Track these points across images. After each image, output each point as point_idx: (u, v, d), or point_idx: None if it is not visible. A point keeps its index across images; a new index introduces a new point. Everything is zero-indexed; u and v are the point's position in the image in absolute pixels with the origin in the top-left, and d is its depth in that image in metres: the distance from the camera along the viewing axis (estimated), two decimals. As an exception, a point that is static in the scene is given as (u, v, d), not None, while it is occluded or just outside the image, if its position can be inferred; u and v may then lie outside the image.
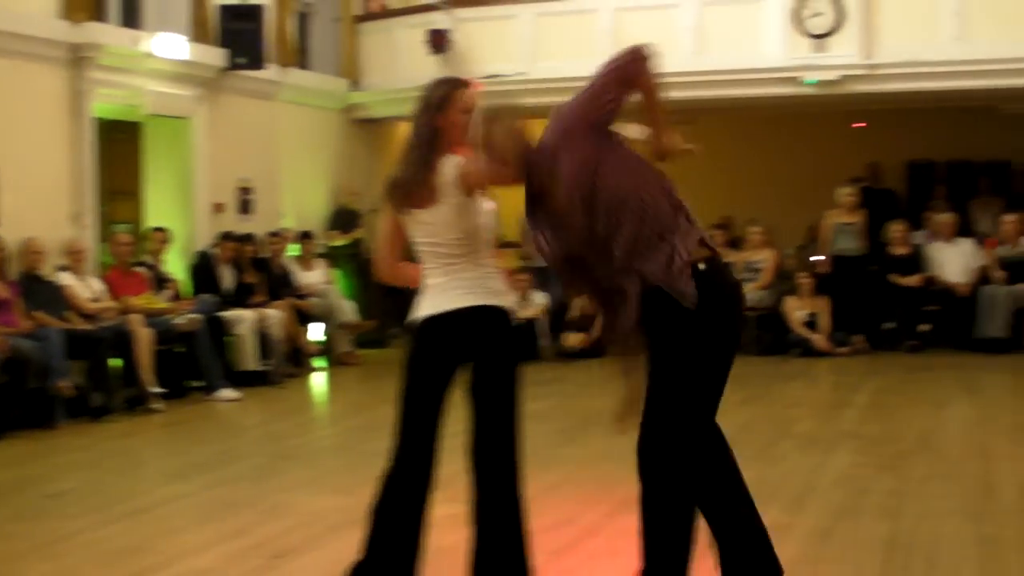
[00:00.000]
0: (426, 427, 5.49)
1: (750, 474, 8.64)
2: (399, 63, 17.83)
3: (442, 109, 5.42)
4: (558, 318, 16.14)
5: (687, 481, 5.36)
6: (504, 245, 17.56)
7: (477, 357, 5.42)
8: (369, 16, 18.74)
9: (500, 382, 5.43)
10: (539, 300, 15.89)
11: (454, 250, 5.40)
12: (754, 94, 16.89)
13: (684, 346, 5.21)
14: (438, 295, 5.42)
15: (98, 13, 13.72)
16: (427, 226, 5.39)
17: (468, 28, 17.35)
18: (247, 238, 14.80)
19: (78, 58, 13.15)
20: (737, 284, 5.49)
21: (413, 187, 5.36)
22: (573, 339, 15.80)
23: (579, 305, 16.08)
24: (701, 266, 5.18)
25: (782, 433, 10.29)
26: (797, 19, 16.08)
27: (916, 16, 15.93)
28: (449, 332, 5.39)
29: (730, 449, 5.61)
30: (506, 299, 5.54)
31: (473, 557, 5.58)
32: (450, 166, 5.36)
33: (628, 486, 8.28)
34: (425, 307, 5.45)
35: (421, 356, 5.47)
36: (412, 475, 5.52)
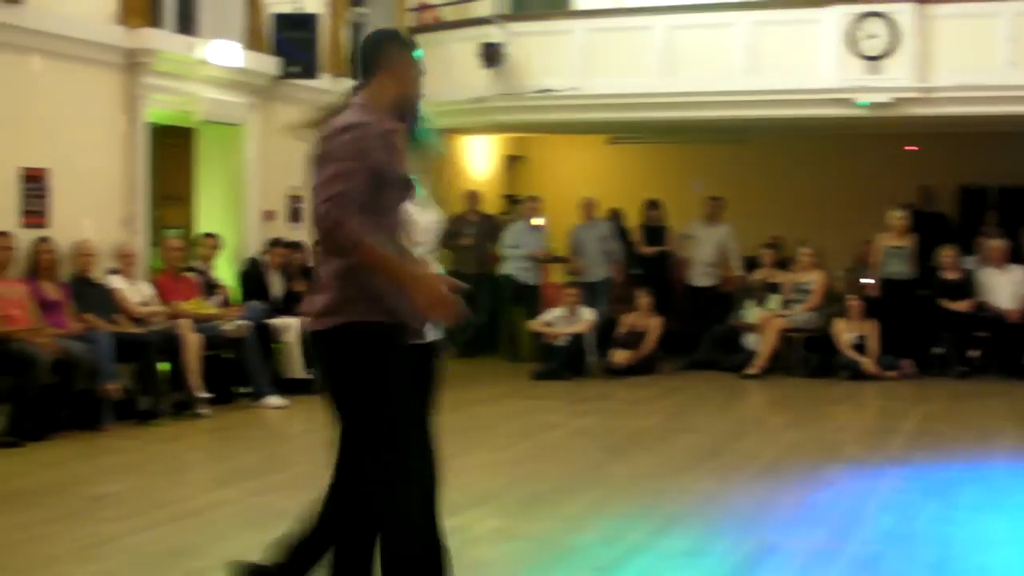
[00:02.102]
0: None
1: (795, 497, 8.68)
2: (452, 76, 17.79)
3: None
4: (605, 334, 16.09)
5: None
6: (554, 260, 17.59)
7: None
8: (422, 28, 18.72)
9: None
10: (587, 316, 15.85)
11: None
12: (806, 115, 16.81)
13: None
14: None
15: (154, 19, 13.77)
16: None
17: (521, 42, 17.34)
18: (297, 246, 14.82)
19: (133, 63, 13.20)
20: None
21: None
22: (620, 356, 15.74)
23: (627, 322, 16.05)
24: None
25: (830, 457, 10.23)
26: (852, 41, 16.00)
27: (971, 41, 15.83)
28: None
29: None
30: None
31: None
32: None
33: (674, 505, 8.30)
34: None
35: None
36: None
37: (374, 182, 4.84)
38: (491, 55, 17.06)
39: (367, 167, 4.81)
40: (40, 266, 11.70)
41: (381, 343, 4.92)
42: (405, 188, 5.07)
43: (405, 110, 5.19)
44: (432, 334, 5.27)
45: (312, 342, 5.13)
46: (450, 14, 19.08)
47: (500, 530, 7.54)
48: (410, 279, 4.82)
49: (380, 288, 4.89)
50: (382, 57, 5.12)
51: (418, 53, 5.21)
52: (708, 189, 18.14)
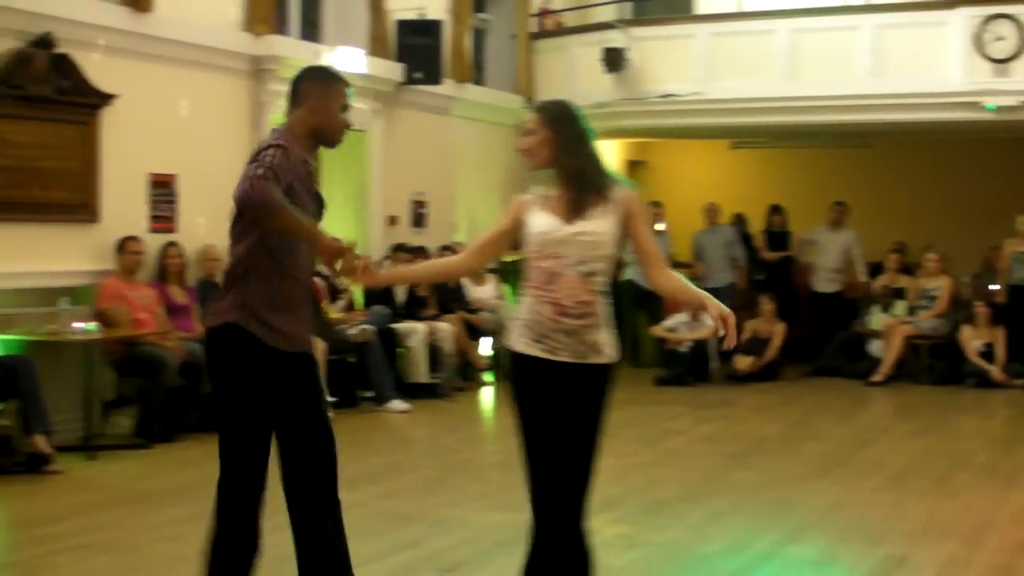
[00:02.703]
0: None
1: (924, 507, 8.56)
2: (574, 80, 17.80)
3: None
4: (728, 340, 15.99)
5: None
6: (676, 265, 17.48)
7: None
8: (545, 33, 18.77)
9: None
10: (710, 322, 15.68)
11: None
12: (932, 118, 16.55)
13: None
14: None
15: (279, 26, 13.91)
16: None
17: (643, 47, 17.30)
18: (421, 251, 14.91)
19: (259, 70, 13.32)
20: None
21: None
22: (743, 362, 15.65)
23: (750, 328, 15.95)
24: None
25: (958, 466, 10.09)
26: (979, 43, 15.75)
27: (1103, 41, 15.56)
28: None
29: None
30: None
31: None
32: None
33: (801, 513, 8.23)
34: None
35: None
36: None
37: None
38: (613, 60, 17.03)
39: (287, 180, 5.15)
40: (168, 270, 11.87)
41: (247, 351, 5.28)
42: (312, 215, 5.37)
43: (323, 140, 5.58)
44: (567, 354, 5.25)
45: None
46: (572, 19, 19.10)
47: (626, 537, 7.52)
48: (316, 237, 5.11)
49: (261, 299, 5.25)
50: (301, 92, 5.55)
51: (349, 90, 5.61)
52: (834, 194, 17.95)
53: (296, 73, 5.67)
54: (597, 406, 5.22)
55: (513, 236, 5.26)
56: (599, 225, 5.11)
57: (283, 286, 5.23)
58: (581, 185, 5.14)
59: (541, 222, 5.12)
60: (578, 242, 5.10)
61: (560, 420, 5.14)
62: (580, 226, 5.11)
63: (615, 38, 17.30)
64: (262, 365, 5.26)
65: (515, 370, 5.22)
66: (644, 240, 5.23)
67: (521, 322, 5.19)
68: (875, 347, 16.03)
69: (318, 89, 5.54)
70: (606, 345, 5.17)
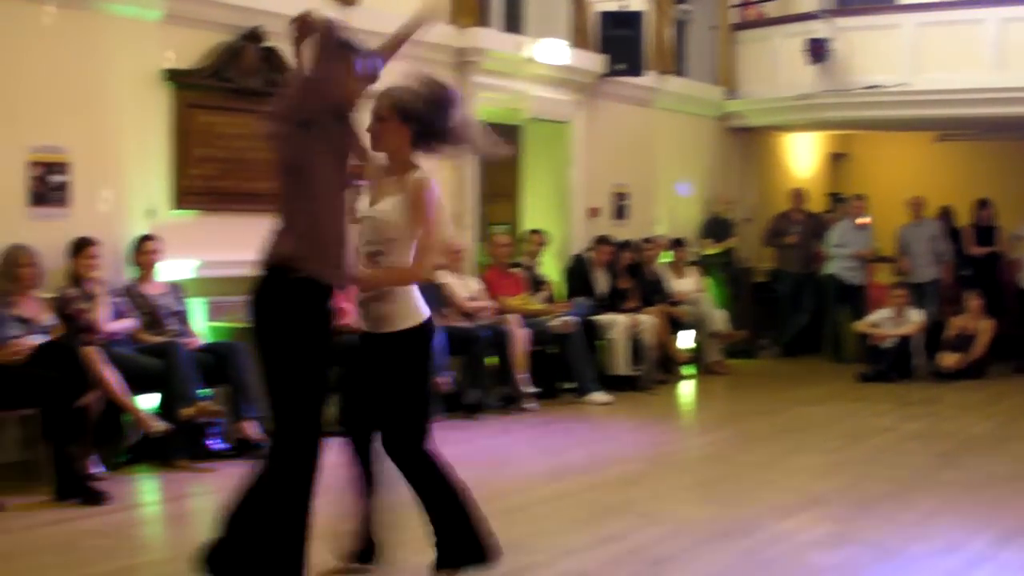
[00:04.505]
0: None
1: None
2: (777, 72, 17.67)
3: None
4: (933, 336, 15.70)
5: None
6: (880, 260, 17.21)
7: None
8: (746, 24, 18.64)
9: None
10: (915, 317, 15.46)
11: None
12: None
13: None
14: None
15: (483, 18, 13.99)
16: None
17: (848, 37, 17.08)
18: (623, 243, 14.87)
19: (463, 62, 13.44)
20: None
21: None
22: (948, 359, 15.33)
23: (956, 324, 15.63)
24: None
25: None
26: None
27: None
28: None
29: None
30: None
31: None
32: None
33: (1015, 514, 8.03)
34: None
35: None
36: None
37: None
38: (817, 51, 16.84)
39: None
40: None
41: None
42: None
43: None
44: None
45: None
46: (774, 10, 18.91)
47: (835, 535, 7.41)
48: None
49: None
50: None
51: None
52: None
53: None
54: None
55: None
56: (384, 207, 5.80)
57: None
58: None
59: None
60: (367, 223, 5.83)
61: None
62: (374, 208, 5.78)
63: (819, 29, 17.11)
64: None
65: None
66: (417, 228, 5.89)
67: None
68: (1087, 345, 15.63)
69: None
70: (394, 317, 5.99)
